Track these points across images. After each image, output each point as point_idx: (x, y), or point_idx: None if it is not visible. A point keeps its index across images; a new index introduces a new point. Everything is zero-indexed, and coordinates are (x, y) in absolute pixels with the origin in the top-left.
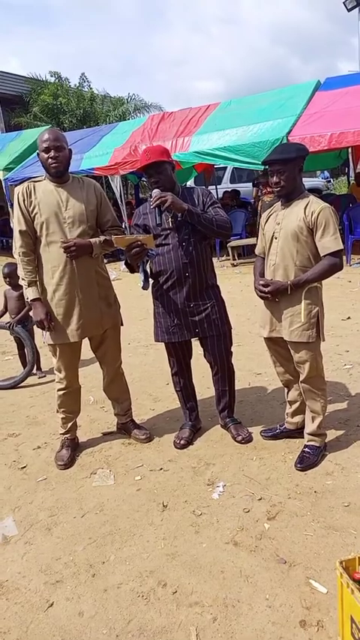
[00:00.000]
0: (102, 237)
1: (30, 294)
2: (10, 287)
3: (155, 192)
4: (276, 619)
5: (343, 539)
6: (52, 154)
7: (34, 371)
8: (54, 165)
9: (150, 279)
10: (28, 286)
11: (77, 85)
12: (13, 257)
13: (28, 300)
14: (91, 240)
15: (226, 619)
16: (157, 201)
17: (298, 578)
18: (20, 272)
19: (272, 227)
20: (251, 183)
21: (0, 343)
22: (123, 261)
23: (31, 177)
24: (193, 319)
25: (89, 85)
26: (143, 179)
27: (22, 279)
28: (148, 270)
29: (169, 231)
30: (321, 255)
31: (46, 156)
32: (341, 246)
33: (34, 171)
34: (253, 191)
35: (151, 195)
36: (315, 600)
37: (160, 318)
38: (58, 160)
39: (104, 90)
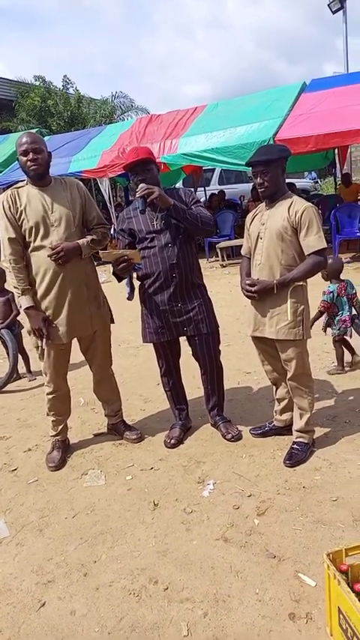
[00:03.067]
0: (89, 238)
1: (24, 302)
2: None
3: (142, 185)
4: (266, 612)
5: (331, 532)
6: (30, 156)
7: (25, 374)
8: (33, 167)
9: (135, 291)
10: (22, 294)
11: (61, 87)
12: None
13: (22, 309)
14: (79, 241)
15: (217, 614)
16: (145, 192)
17: (287, 572)
18: (12, 280)
19: (257, 227)
20: (240, 185)
21: None
22: (112, 271)
23: (19, 181)
24: (180, 319)
25: (75, 88)
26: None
27: (15, 287)
28: (134, 283)
29: (155, 234)
30: (305, 253)
31: (24, 159)
32: (325, 245)
33: (22, 174)
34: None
35: (136, 198)
36: (304, 593)
37: (148, 319)
38: (37, 162)
39: (89, 94)
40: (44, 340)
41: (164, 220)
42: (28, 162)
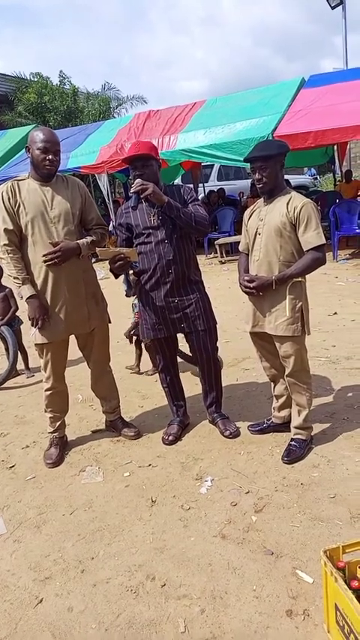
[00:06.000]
0: (89, 238)
1: (25, 292)
2: None
3: (138, 180)
4: (263, 609)
5: (329, 529)
6: (50, 156)
7: (23, 370)
8: (49, 167)
9: (133, 287)
10: (23, 284)
11: (58, 83)
12: None
13: (23, 299)
14: (78, 242)
15: (214, 610)
16: (138, 188)
17: (284, 568)
18: (11, 271)
19: (255, 223)
20: (239, 181)
21: None
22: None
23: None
24: (178, 315)
25: (70, 82)
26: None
27: (15, 277)
28: (131, 281)
29: (151, 229)
30: (304, 249)
31: (42, 156)
32: (324, 241)
33: (20, 170)
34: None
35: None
36: (301, 590)
37: (145, 315)
38: (54, 164)
39: (85, 88)
40: (36, 332)
41: (161, 216)
42: (46, 162)
